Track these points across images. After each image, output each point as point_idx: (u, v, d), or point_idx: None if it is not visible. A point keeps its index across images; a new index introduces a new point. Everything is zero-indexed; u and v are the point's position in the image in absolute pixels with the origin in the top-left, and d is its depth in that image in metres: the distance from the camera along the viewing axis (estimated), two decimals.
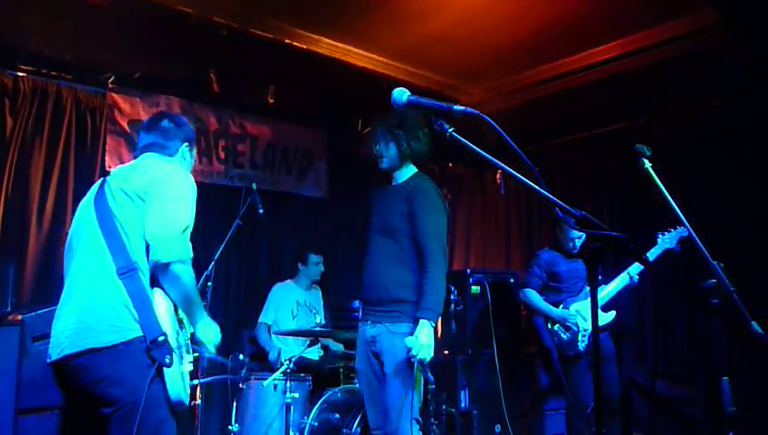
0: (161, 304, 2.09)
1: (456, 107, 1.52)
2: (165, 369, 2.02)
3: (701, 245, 2.03)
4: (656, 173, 2.16)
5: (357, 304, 5.15)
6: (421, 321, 2.75)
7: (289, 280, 4.91)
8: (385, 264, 2.96)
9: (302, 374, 3.93)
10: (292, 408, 3.64)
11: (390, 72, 4.81)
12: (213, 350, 2.31)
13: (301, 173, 5.52)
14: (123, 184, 2.19)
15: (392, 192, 3.10)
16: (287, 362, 3.72)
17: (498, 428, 4.59)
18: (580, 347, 4.10)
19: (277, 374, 3.73)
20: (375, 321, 2.95)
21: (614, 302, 4.17)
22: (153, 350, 1.99)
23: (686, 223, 2.06)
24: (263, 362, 4.59)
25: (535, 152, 5.42)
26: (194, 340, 2.32)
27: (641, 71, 4.55)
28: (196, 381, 3.62)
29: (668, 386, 4.86)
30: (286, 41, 4.32)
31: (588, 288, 4.16)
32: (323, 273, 5.02)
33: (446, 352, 4.98)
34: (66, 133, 4.38)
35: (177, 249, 2.08)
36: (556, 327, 4.23)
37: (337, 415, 3.70)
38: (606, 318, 4.16)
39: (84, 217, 2.25)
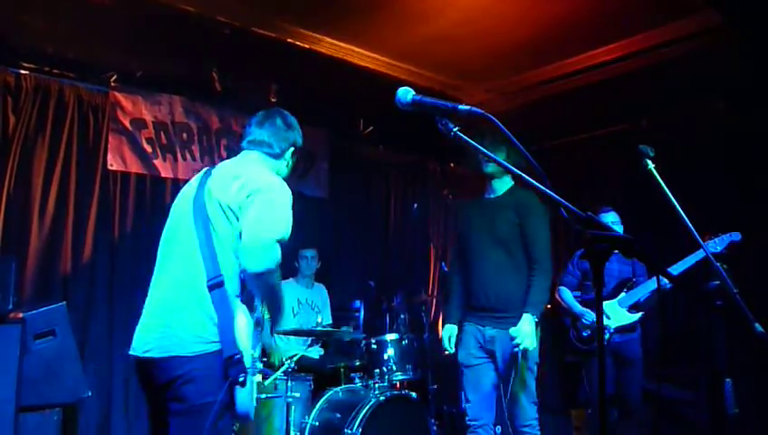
0: (242, 320, 2.10)
1: (461, 106, 1.52)
2: (239, 386, 2.06)
3: (701, 241, 2.03)
4: (659, 174, 2.16)
5: (358, 303, 5.15)
6: (525, 315, 3.08)
7: (291, 278, 4.92)
8: (504, 275, 3.24)
9: (303, 374, 3.93)
10: (293, 407, 3.64)
11: (392, 72, 4.81)
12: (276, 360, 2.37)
13: (302, 173, 5.52)
14: (221, 195, 2.19)
15: (496, 203, 3.33)
16: (288, 360, 3.73)
17: (499, 429, 4.59)
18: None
19: (278, 373, 3.73)
20: (495, 326, 3.22)
21: (645, 303, 4.18)
22: (229, 368, 2.02)
23: (689, 224, 2.05)
24: (263, 360, 4.59)
25: (537, 153, 5.39)
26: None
27: (644, 72, 4.55)
28: None
29: (671, 388, 4.85)
30: (289, 40, 4.32)
31: (624, 289, 4.21)
32: (324, 272, 5.02)
33: (446, 352, 4.98)
34: (68, 131, 4.38)
35: (267, 259, 2.07)
36: (578, 324, 4.27)
37: (338, 414, 3.70)
38: (630, 318, 4.15)
39: (184, 214, 2.26)
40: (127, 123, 4.58)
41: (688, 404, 4.78)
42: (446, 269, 5.24)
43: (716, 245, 3.76)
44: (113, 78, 4.54)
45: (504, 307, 3.21)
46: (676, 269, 3.84)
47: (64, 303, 3.38)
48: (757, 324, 1.92)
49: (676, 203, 2.04)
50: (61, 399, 3.22)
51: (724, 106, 4.75)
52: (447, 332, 3.43)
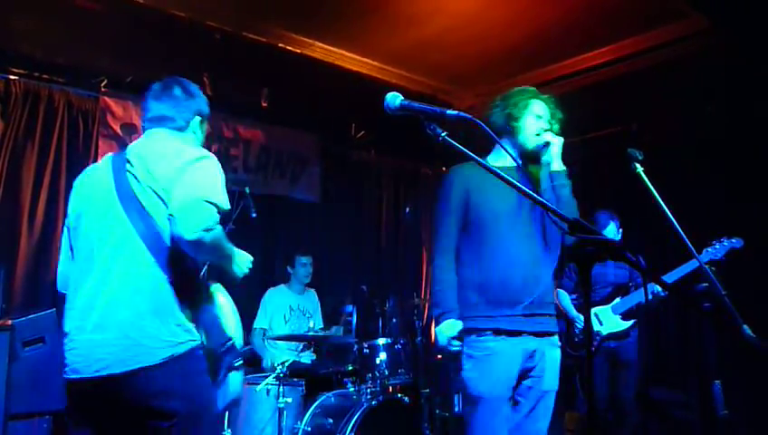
0: (225, 304, 2.02)
1: (449, 111, 1.52)
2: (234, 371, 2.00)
3: (693, 250, 2.04)
4: (648, 177, 2.17)
5: (350, 308, 5.14)
6: None
7: (282, 284, 4.90)
8: (539, 258, 2.46)
9: (295, 379, 3.92)
10: (284, 413, 3.63)
11: (384, 77, 4.83)
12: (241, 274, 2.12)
13: (294, 177, 5.52)
14: (150, 180, 1.93)
15: (517, 172, 2.49)
16: (280, 366, 3.72)
17: None
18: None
19: (270, 379, 3.71)
20: (538, 333, 2.42)
21: (639, 310, 4.19)
22: (224, 355, 1.94)
23: (678, 227, 2.06)
24: (256, 366, 4.58)
25: None
26: None
27: (634, 76, 4.59)
28: None
29: (661, 390, 4.88)
30: (280, 45, 4.33)
31: (619, 295, 4.22)
32: (316, 276, 5.01)
33: (438, 356, 4.98)
34: (58, 137, 4.35)
35: (201, 219, 1.81)
36: (571, 329, 4.30)
37: (330, 420, 3.68)
38: (622, 326, 4.18)
39: (108, 210, 1.95)
40: (117, 128, 4.56)
41: (679, 406, 4.81)
42: None
43: (716, 252, 3.66)
44: (103, 83, 4.52)
45: (543, 305, 2.44)
46: (670, 277, 3.75)
47: (54, 310, 3.37)
48: (746, 327, 1.93)
49: (665, 207, 2.05)
50: (50, 406, 3.20)
51: (713, 109, 4.78)
52: (451, 328, 2.43)
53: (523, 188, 1.42)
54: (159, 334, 1.84)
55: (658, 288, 3.90)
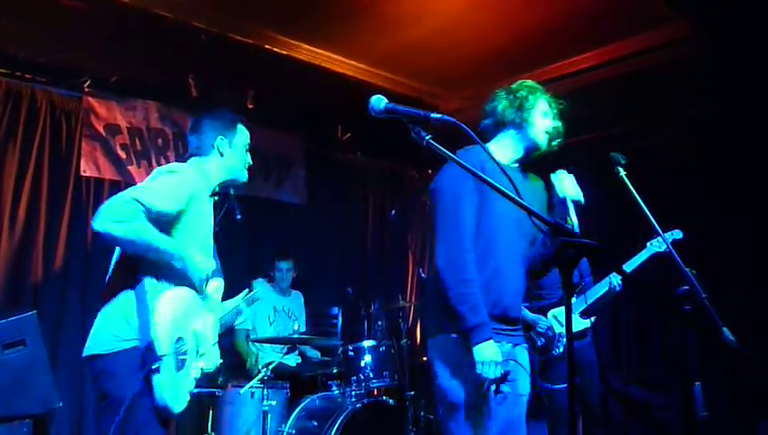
0: (161, 309, 2.09)
1: (433, 115, 1.53)
2: (155, 374, 2.05)
3: (674, 252, 2.07)
4: (630, 181, 2.19)
5: (336, 310, 5.14)
6: None
7: (268, 285, 4.89)
8: (521, 276, 2.41)
9: (280, 381, 3.91)
10: (269, 415, 3.62)
11: (370, 79, 4.83)
12: (203, 275, 2.32)
13: (279, 179, 5.50)
14: None
15: (524, 177, 2.56)
16: (264, 368, 3.70)
17: None
18: (555, 352, 4.12)
19: (254, 382, 3.70)
20: (519, 344, 2.43)
21: (596, 308, 4.18)
22: (145, 356, 2.05)
23: (660, 230, 2.09)
24: (240, 369, 4.56)
25: None
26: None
27: (617, 80, 4.63)
28: None
29: (643, 391, 4.92)
30: (266, 46, 4.32)
31: (574, 294, 4.20)
32: (302, 279, 5.00)
33: (424, 359, 4.98)
34: (40, 137, 4.31)
35: (112, 211, 2.00)
36: (532, 333, 4.24)
37: (315, 422, 3.68)
38: (582, 324, 4.17)
39: None
40: (101, 129, 4.52)
41: (660, 407, 4.86)
42: (423, 275, 5.25)
43: (660, 243, 3.77)
44: (87, 83, 4.48)
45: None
46: (627, 267, 3.85)
47: (35, 311, 3.32)
48: (725, 329, 1.95)
49: (646, 209, 2.07)
50: (31, 409, 3.16)
51: (695, 113, 4.84)
52: (496, 352, 2.15)
53: (508, 192, 1.43)
54: (110, 329, 2.11)
55: (615, 283, 3.94)
